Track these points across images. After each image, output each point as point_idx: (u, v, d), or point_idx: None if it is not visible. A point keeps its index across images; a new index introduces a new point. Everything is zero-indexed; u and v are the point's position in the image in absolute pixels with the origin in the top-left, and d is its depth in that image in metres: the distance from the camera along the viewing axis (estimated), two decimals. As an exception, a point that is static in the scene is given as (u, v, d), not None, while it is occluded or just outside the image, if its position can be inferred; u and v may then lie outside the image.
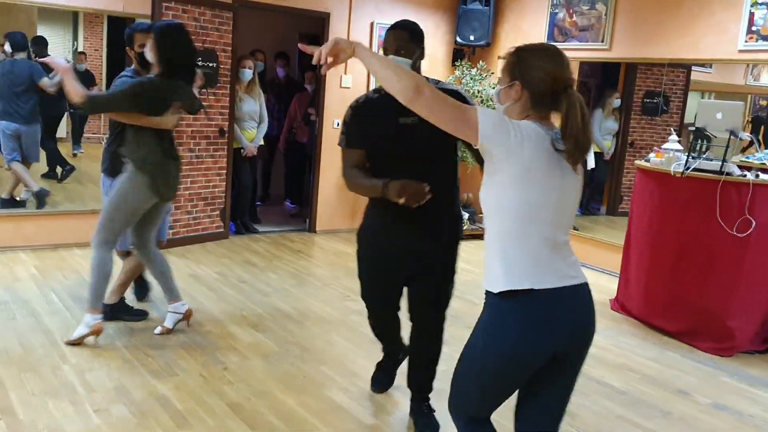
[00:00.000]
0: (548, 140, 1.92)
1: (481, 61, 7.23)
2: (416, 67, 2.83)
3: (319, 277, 5.43)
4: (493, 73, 7.18)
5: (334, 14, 6.67)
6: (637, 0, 6.10)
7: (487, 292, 2.00)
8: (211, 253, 5.84)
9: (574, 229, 6.76)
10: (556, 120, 2.00)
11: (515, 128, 1.88)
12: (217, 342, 3.92)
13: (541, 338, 1.91)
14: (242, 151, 6.37)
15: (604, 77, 8.58)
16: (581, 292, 1.99)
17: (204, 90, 5.75)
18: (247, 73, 6.28)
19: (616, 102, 7.58)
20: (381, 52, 2.93)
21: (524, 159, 1.87)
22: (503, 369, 1.95)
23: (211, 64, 5.91)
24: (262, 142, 6.63)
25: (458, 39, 7.27)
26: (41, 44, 6.38)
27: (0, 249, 5.32)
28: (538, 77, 1.94)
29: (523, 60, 1.98)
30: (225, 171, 6.20)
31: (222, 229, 6.29)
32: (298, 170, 7.56)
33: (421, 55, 2.87)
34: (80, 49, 7.45)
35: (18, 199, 6.00)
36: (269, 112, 7.56)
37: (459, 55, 7.46)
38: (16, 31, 5.97)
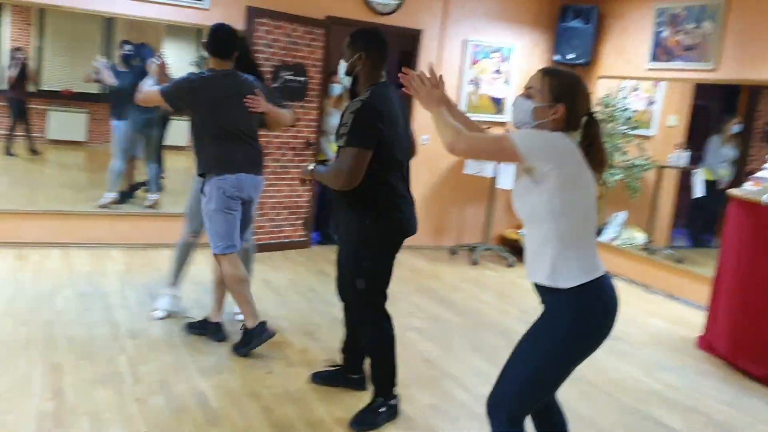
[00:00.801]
0: (580, 151, 2.19)
1: (579, 81, 6.98)
2: (355, 71, 3.04)
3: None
4: (591, 93, 6.91)
5: (426, 32, 6.68)
6: (749, 17, 5.69)
7: (553, 290, 2.18)
8: (289, 260, 5.97)
9: (678, 261, 6.38)
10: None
11: (557, 141, 2.15)
12: (268, 346, 3.99)
13: (613, 316, 2.20)
14: (327, 162, 6.47)
15: (723, 101, 8.07)
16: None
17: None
18: (336, 88, 6.41)
19: (735, 128, 7.12)
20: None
21: (573, 167, 2.14)
22: (578, 357, 2.21)
23: (300, 79, 6.08)
24: (348, 156, 6.71)
25: (557, 57, 7.07)
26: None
27: (95, 245, 5.70)
28: (581, 103, 2.24)
29: (571, 86, 2.24)
30: (309, 182, 6.33)
31: (304, 238, 6.42)
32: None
33: (365, 58, 3.02)
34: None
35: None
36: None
37: (557, 74, 7.24)
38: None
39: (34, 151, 9.47)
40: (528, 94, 2.27)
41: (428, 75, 2.41)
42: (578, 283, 2.14)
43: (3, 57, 10.98)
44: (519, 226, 7.25)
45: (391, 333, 3.20)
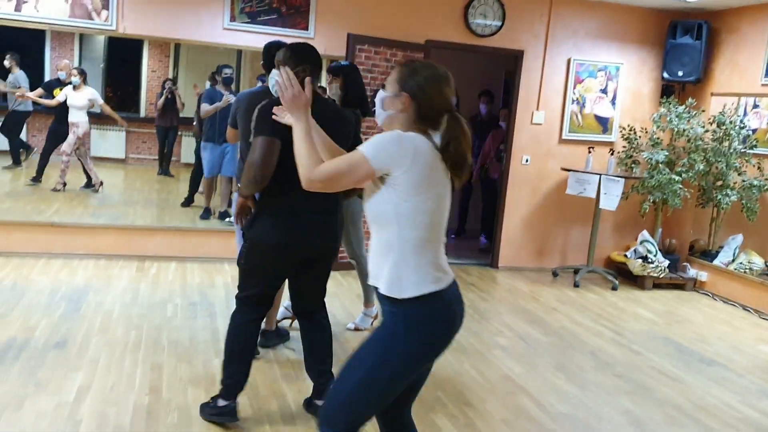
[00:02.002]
0: (436, 152, 2.07)
1: (690, 98, 6.73)
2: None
3: (480, 310, 5.44)
4: (704, 110, 6.65)
5: (528, 52, 6.70)
6: None
7: (388, 299, 2.08)
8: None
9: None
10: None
11: (407, 143, 2.03)
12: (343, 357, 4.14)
13: (453, 329, 2.15)
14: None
15: None
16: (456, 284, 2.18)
17: None
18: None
19: None
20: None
21: (422, 170, 2.02)
22: (411, 369, 2.12)
23: (399, 101, 6.27)
24: (448, 176, 6.80)
25: (665, 75, 6.85)
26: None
27: (209, 259, 6.14)
28: (435, 97, 2.10)
29: (423, 77, 2.11)
30: (408, 202, 6.49)
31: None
32: (490, 205, 7.63)
33: (302, 73, 2.91)
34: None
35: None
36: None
37: (668, 91, 7.02)
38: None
39: (168, 174, 10.31)
40: (383, 84, 2.23)
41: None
42: (418, 294, 2.03)
43: (143, 86, 12.07)
44: (627, 248, 7.04)
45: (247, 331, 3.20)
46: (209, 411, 3.21)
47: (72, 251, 5.90)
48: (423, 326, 2.07)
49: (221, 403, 3.18)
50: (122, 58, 12.05)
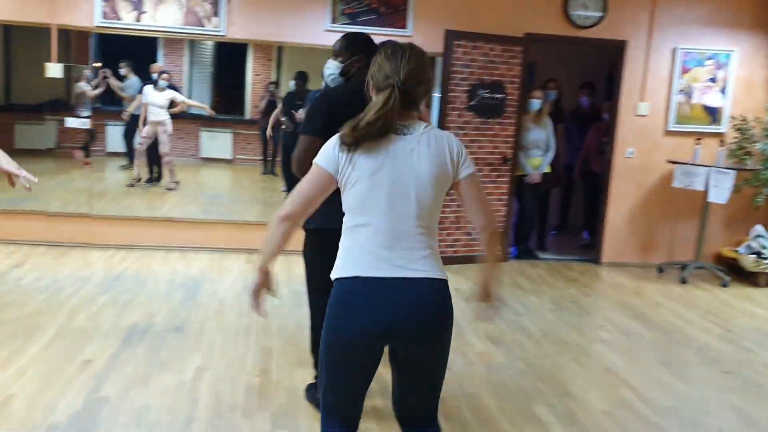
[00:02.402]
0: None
1: (808, 85, 6.38)
2: (349, 72, 3.11)
3: (582, 305, 5.39)
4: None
5: (631, 42, 6.54)
6: None
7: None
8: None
9: None
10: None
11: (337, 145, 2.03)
12: (452, 346, 4.21)
13: (350, 321, 1.99)
14: (526, 178, 6.60)
15: None
16: (417, 285, 2.00)
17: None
18: (535, 104, 6.51)
19: None
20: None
21: (348, 162, 2.02)
22: (335, 353, 2.04)
23: (497, 96, 6.29)
24: (548, 170, 6.76)
25: (780, 62, 6.53)
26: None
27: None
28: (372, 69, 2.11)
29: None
30: (506, 197, 6.50)
31: (500, 252, 6.58)
32: (593, 200, 7.49)
33: (358, 63, 3.07)
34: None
35: None
36: (570, 141, 7.68)
37: (784, 79, 6.68)
38: None
39: (272, 173, 10.71)
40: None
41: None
42: (335, 276, 2.05)
43: (248, 89, 12.58)
44: (738, 243, 6.75)
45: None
46: (314, 392, 3.37)
47: (188, 244, 6.29)
48: (330, 309, 2.05)
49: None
50: (228, 63, 12.61)
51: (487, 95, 6.28)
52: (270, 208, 8.28)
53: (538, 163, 6.65)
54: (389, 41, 2.37)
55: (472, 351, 4.20)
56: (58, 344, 3.87)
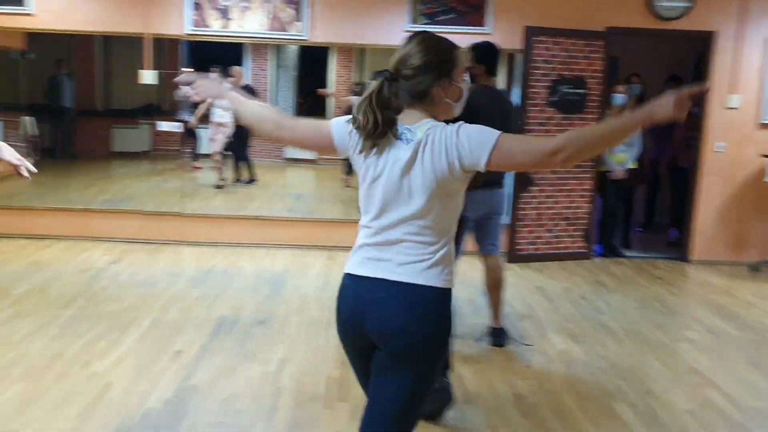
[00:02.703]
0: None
1: None
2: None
3: (666, 303, 5.24)
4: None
5: (720, 33, 6.31)
6: None
7: None
8: (566, 270, 6.08)
9: None
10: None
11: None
12: (532, 344, 4.22)
13: (342, 317, 1.98)
14: (609, 174, 6.47)
15: None
16: (397, 289, 1.87)
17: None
18: (618, 98, 6.37)
19: None
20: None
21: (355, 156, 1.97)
22: (344, 345, 2.04)
23: (579, 91, 6.20)
24: (633, 165, 6.59)
25: None
26: None
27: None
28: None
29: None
30: (590, 193, 6.39)
31: (584, 250, 6.47)
32: (680, 196, 7.25)
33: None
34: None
35: None
36: (655, 136, 7.47)
37: None
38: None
39: (353, 173, 10.89)
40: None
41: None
42: (344, 272, 2.01)
43: (331, 90, 12.85)
44: (839, 242, 6.39)
45: None
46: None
47: (273, 242, 6.50)
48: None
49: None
50: (312, 66, 12.91)
51: (569, 91, 6.20)
52: (351, 208, 8.44)
53: (622, 159, 6.50)
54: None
55: (552, 349, 4.17)
56: (152, 336, 4.10)
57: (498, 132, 1.80)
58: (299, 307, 4.75)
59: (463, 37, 6.20)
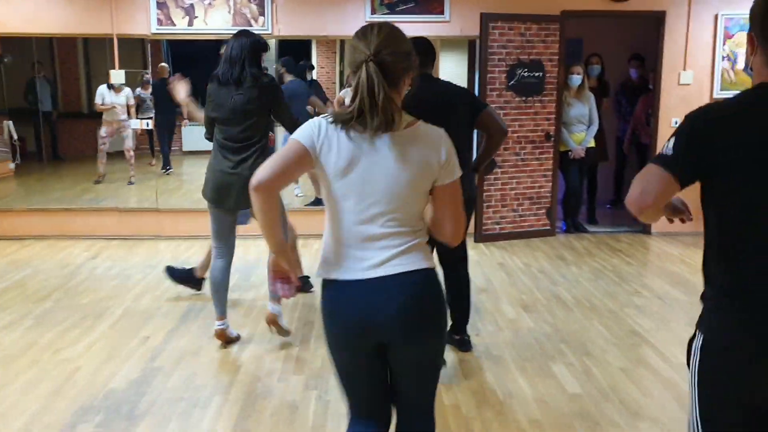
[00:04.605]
0: (333, 128, 1.89)
1: None
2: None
3: (621, 273, 5.46)
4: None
5: (671, 12, 6.51)
6: None
7: None
8: (529, 247, 6.30)
9: None
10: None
11: (319, 129, 1.90)
12: (485, 314, 4.44)
13: (337, 325, 1.96)
14: (570, 153, 6.68)
15: None
16: (392, 281, 1.89)
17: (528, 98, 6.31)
18: (575, 79, 6.57)
19: None
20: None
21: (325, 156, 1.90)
22: (333, 349, 2.03)
23: (536, 74, 6.40)
24: (592, 144, 6.80)
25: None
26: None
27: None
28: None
29: None
30: (550, 173, 6.60)
31: (548, 227, 6.69)
32: (643, 173, 7.46)
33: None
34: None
35: None
36: (621, 114, 7.68)
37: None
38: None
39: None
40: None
41: None
42: (321, 276, 1.98)
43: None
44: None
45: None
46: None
47: (247, 233, 6.69)
48: (321, 308, 2.01)
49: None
50: (294, 59, 13.08)
51: (527, 74, 6.40)
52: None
53: (581, 138, 6.71)
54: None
55: (503, 318, 4.39)
56: (122, 324, 4.32)
57: (458, 175, 1.94)
58: (266, 292, 4.94)
59: (422, 26, 6.42)
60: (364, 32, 1.91)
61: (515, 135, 6.41)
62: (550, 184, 6.64)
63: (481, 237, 6.45)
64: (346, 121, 1.85)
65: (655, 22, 6.61)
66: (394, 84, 1.89)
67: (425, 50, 3.70)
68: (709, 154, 1.60)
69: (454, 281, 3.77)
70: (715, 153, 1.59)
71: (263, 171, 1.89)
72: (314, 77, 8.16)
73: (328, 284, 1.96)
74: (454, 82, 3.87)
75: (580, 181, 6.91)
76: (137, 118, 7.38)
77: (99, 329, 4.21)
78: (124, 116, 7.54)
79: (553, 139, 6.55)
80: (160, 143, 8.32)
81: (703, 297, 1.72)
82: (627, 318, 4.40)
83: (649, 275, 5.47)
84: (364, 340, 1.94)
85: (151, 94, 7.32)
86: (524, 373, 3.56)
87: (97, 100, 7.60)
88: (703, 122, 1.63)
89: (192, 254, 6.02)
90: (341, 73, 12.00)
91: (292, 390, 3.42)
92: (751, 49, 1.69)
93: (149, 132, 7.91)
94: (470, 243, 6.36)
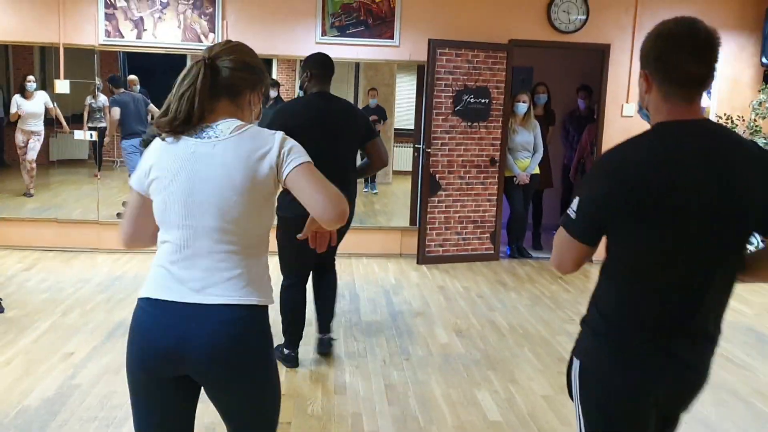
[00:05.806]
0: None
1: (794, 83, 6.42)
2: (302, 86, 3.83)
3: (558, 301, 5.53)
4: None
5: (615, 45, 6.68)
6: None
7: None
8: (471, 271, 6.34)
9: None
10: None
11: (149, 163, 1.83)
12: (418, 338, 4.44)
13: (136, 344, 1.83)
14: (514, 179, 6.76)
15: None
16: (211, 312, 1.75)
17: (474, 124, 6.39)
18: (521, 107, 6.68)
19: None
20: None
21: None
22: (127, 372, 1.92)
23: (482, 100, 6.49)
24: (536, 171, 6.90)
25: (764, 60, 6.57)
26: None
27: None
28: None
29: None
30: (495, 197, 6.68)
31: (491, 251, 6.74)
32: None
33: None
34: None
35: None
36: (568, 142, 7.82)
37: (770, 77, 6.72)
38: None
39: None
40: None
41: None
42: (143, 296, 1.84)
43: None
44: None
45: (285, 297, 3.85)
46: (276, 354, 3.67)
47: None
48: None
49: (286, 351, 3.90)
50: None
51: (472, 100, 6.48)
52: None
53: (525, 164, 6.81)
54: None
55: (435, 343, 4.40)
56: (46, 339, 4.21)
57: (305, 159, 1.77)
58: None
59: (373, 50, 6.48)
60: (217, 44, 1.89)
61: (460, 159, 6.48)
62: (495, 208, 6.71)
63: (424, 259, 6.48)
64: (162, 127, 1.77)
65: (600, 54, 6.77)
66: (228, 95, 1.81)
67: (322, 65, 3.73)
68: (613, 208, 1.62)
69: (322, 287, 4.04)
70: (623, 204, 1.59)
71: (121, 228, 1.94)
72: (279, 94, 8.12)
73: (140, 301, 1.84)
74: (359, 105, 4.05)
75: (525, 207, 7.00)
76: (87, 129, 7.25)
77: (21, 344, 4.10)
78: (37, 125, 7.24)
79: (498, 164, 6.63)
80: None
81: (583, 321, 1.77)
82: (557, 345, 4.45)
83: (584, 302, 5.44)
84: (163, 371, 1.80)
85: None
86: (448, 400, 3.56)
87: (12, 109, 7.31)
88: (613, 178, 1.62)
89: (130, 269, 5.91)
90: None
91: (211, 412, 3.35)
92: (647, 86, 1.74)
93: (94, 143, 7.75)
94: (412, 265, 6.40)
